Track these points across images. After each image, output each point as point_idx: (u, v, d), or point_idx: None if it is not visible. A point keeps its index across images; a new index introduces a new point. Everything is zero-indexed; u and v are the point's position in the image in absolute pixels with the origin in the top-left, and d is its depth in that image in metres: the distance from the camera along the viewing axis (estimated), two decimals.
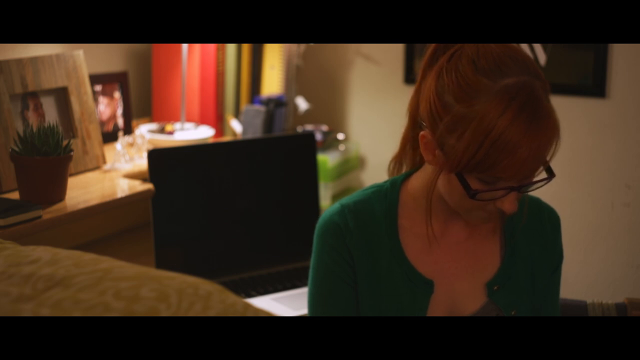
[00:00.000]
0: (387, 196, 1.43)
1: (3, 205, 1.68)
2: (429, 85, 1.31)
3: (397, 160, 1.47)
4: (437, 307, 1.40)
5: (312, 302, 1.45)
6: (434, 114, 1.28)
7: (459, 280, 1.41)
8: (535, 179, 1.30)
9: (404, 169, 1.47)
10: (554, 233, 1.47)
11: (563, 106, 2.45)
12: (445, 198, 1.35)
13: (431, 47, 1.34)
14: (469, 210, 1.33)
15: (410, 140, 1.43)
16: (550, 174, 1.32)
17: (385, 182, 1.46)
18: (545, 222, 1.47)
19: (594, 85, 2.38)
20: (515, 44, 1.32)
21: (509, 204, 1.28)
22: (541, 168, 1.30)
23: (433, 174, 1.35)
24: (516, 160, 1.22)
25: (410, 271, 1.40)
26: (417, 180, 1.42)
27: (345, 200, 1.44)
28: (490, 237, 1.44)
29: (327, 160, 2.55)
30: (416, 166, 1.45)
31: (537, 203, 1.48)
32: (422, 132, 1.32)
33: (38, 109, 1.99)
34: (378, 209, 1.42)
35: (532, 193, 1.48)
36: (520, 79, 1.25)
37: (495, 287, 1.41)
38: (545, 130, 1.24)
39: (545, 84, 1.28)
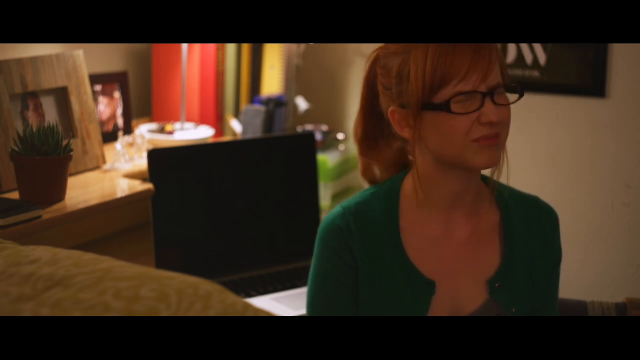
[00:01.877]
0: (387, 197, 1.44)
1: (3, 205, 1.68)
2: (377, 78, 1.43)
3: (367, 173, 1.52)
4: (440, 307, 1.40)
5: (311, 306, 1.46)
6: (387, 85, 1.39)
7: (460, 278, 1.42)
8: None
9: (380, 176, 1.51)
10: (552, 232, 1.47)
11: (563, 106, 2.46)
12: (441, 152, 1.36)
13: (367, 65, 1.46)
14: (466, 147, 1.34)
15: (373, 149, 1.50)
16: (515, 86, 1.38)
17: (385, 182, 1.47)
18: (544, 221, 1.47)
19: (594, 85, 2.38)
20: None
21: (489, 111, 1.33)
22: (502, 88, 1.35)
23: (414, 151, 1.40)
24: (459, 66, 1.31)
25: (412, 272, 1.40)
26: (411, 176, 1.43)
27: (346, 203, 1.45)
28: (490, 235, 1.45)
29: (327, 160, 2.55)
30: (388, 165, 1.49)
31: (536, 202, 1.49)
32: (390, 109, 1.39)
33: (38, 109, 1.99)
34: (379, 210, 1.43)
35: (534, 191, 1.48)
36: None
37: (497, 285, 1.41)
38: (473, 42, 1.34)
39: None
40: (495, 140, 1.34)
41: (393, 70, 1.37)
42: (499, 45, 1.39)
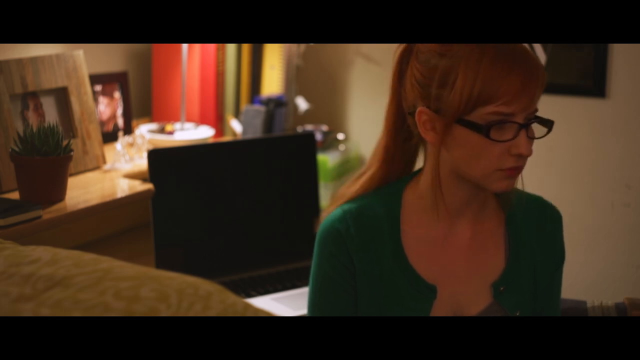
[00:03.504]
0: (389, 199, 1.42)
1: (3, 205, 1.68)
2: (410, 71, 1.35)
3: (382, 175, 1.45)
4: (440, 312, 1.39)
5: (312, 308, 1.45)
6: (423, 83, 1.33)
7: (463, 282, 1.41)
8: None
9: (387, 180, 1.45)
10: (555, 231, 1.46)
11: (563, 106, 2.46)
12: (463, 169, 1.34)
13: (398, 54, 1.39)
14: (490, 173, 1.32)
15: (397, 148, 1.43)
16: (549, 121, 1.34)
17: (389, 185, 1.44)
18: (547, 220, 1.46)
19: (594, 85, 2.38)
20: None
21: (522, 143, 1.30)
22: (536, 109, 1.32)
23: (434, 156, 1.35)
24: (509, 86, 1.27)
25: (413, 276, 1.39)
26: (423, 179, 1.41)
27: (346, 205, 1.43)
28: (494, 238, 1.43)
29: (327, 160, 2.55)
30: (404, 174, 1.45)
31: (540, 201, 1.48)
32: (418, 109, 1.34)
33: (38, 109, 1.99)
34: (380, 212, 1.41)
35: (534, 191, 1.48)
36: None
37: (502, 288, 1.40)
38: (529, 61, 1.31)
39: None
40: (520, 170, 1.34)
41: (436, 71, 1.31)
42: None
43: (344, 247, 1.40)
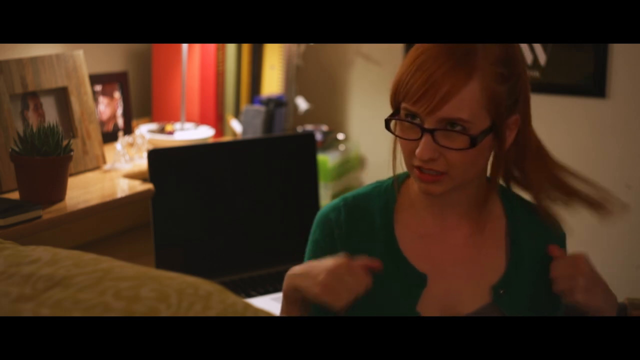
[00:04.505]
0: (387, 191, 1.44)
1: (3, 205, 1.68)
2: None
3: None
4: (430, 303, 1.38)
5: None
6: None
7: (457, 278, 1.40)
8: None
9: None
10: (558, 241, 1.46)
11: (563, 106, 2.46)
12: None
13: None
14: (410, 168, 1.34)
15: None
16: (472, 138, 1.28)
17: (389, 178, 1.47)
18: (550, 236, 1.45)
19: (594, 85, 2.38)
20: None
21: (422, 149, 1.28)
22: (466, 125, 1.27)
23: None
24: (415, 82, 1.27)
25: (404, 263, 1.39)
26: None
27: (347, 194, 1.46)
28: (495, 239, 1.43)
29: (327, 160, 2.55)
30: None
31: (548, 213, 1.45)
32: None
33: (38, 109, 1.99)
34: (376, 203, 1.43)
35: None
36: None
37: (502, 291, 1.40)
38: (453, 62, 1.26)
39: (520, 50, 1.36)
40: (429, 177, 1.31)
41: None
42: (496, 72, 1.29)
43: (331, 236, 1.42)
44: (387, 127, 1.34)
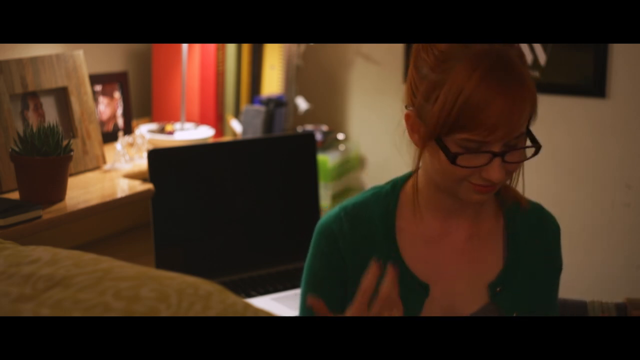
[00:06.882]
0: (386, 198, 1.43)
1: (3, 205, 1.68)
2: (409, 70, 1.34)
3: None
4: (433, 310, 1.39)
5: (302, 305, 1.46)
6: (412, 88, 1.32)
7: (457, 281, 1.40)
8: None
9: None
10: (553, 243, 1.46)
11: (563, 106, 2.46)
12: (436, 177, 1.34)
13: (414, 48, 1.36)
14: (460, 185, 1.31)
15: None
16: (535, 143, 1.31)
17: (387, 183, 1.46)
18: (548, 229, 1.46)
19: (594, 85, 2.38)
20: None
21: (493, 171, 1.27)
22: (522, 136, 1.29)
23: (416, 155, 1.35)
24: (488, 118, 1.23)
25: (406, 274, 1.39)
26: (419, 178, 1.41)
27: (345, 202, 1.44)
28: (492, 239, 1.43)
29: (327, 160, 2.55)
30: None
31: (540, 210, 1.47)
32: (406, 112, 1.34)
33: (38, 109, 1.99)
34: (376, 211, 1.42)
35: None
36: (493, 45, 1.27)
37: (498, 289, 1.40)
38: (516, 89, 1.25)
39: (521, 54, 1.30)
40: (490, 188, 1.31)
41: (424, 82, 1.29)
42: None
43: (336, 247, 1.41)
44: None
